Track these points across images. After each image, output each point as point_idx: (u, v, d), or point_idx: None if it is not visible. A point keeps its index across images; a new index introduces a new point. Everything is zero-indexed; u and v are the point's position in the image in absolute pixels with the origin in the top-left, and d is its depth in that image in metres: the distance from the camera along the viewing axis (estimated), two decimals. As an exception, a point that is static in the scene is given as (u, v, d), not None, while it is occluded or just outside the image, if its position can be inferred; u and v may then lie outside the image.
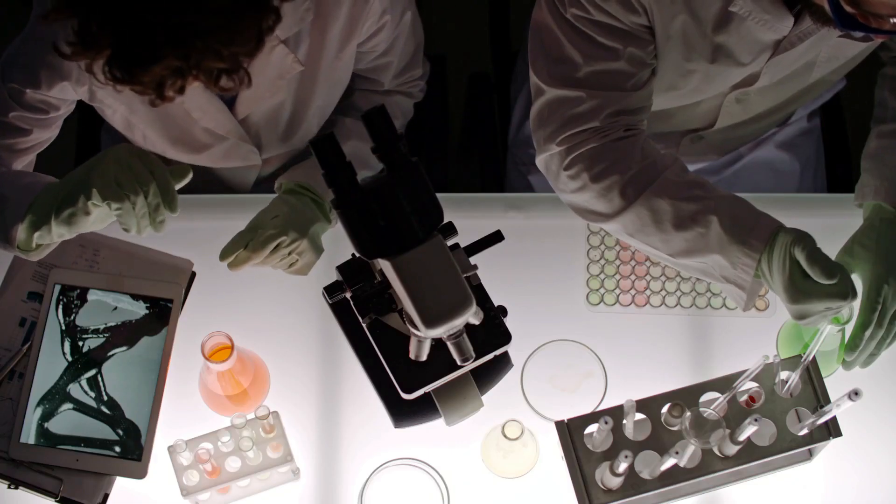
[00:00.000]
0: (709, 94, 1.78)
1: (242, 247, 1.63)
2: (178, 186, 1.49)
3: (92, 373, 1.72)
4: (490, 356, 1.55)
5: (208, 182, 1.95)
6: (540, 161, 1.70)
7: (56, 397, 1.71)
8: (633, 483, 1.52)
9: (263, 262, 1.64)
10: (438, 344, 1.48)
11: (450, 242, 1.47)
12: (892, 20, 1.36)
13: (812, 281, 1.49)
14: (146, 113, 1.73)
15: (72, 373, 1.72)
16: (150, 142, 1.81)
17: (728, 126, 1.90)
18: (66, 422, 1.70)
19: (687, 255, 1.61)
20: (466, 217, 1.58)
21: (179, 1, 1.31)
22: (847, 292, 1.48)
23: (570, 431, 1.55)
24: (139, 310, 1.77)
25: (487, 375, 1.62)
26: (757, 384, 1.55)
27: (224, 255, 1.63)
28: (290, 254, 1.66)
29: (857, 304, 1.59)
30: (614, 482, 1.51)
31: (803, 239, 1.50)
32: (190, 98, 1.66)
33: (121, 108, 1.73)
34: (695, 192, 1.61)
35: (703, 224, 1.58)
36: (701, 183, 1.63)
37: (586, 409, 1.62)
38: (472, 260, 1.51)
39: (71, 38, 1.35)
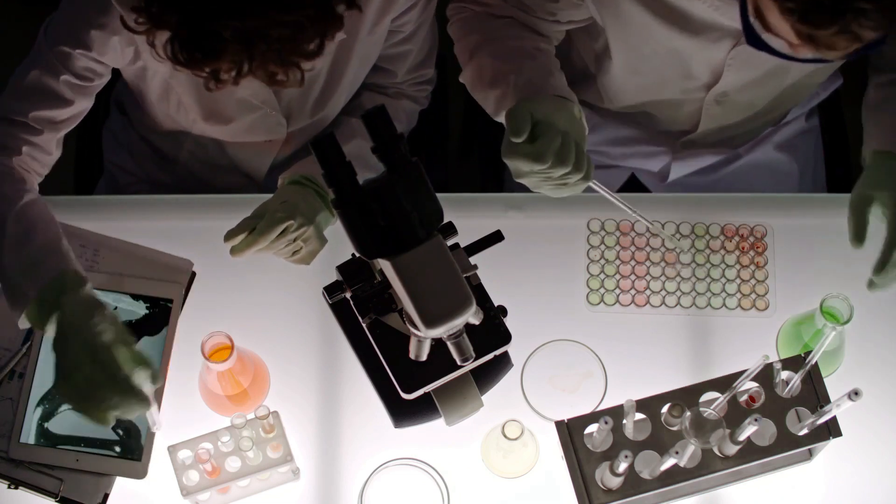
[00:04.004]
0: (680, 85, 1.78)
1: (248, 230, 1.63)
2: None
3: (92, 373, 1.72)
4: (490, 356, 1.55)
5: (223, 169, 1.96)
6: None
7: (56, 397, 1.71)
8: (633, 483, 1.52)
9: (268, 247, 1.64)
10: (438, 344, 1.48)
11: (450, 242, 1.48)
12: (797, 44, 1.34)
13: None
14: (185, 78, 1.73)
15: (72, 373, 1.72)
16: (183, 109, 1.82)
17: (716, 128, 1.90)
18: (66, 422, 1.70)
19: (497, 113, 1.65)
20: (466, 217, 1.58)
21: (251, 7, 1.31)
22: (541, 154, 1.49)
23: (570, 431, 1.56)
24: (139, 310, 1.77)
25: (487, 375, 1.62)
26: (757, 384, 1.55)
27: (229, 236, 1.63)
28: (295, 240, 1.66)
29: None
30: (614, 482, 1.51)
31: (523, 100, 1.53)
32: None
33: (162, 70, 1.73)
34: (517, 57, 1.65)
35: (505, 83, 1.62)
36: (531, 54, 1.67)
37: (586, 409, 1.62)
38: (472, 260, 1.51)
39: (138, 5, 1.36)
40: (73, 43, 1.62)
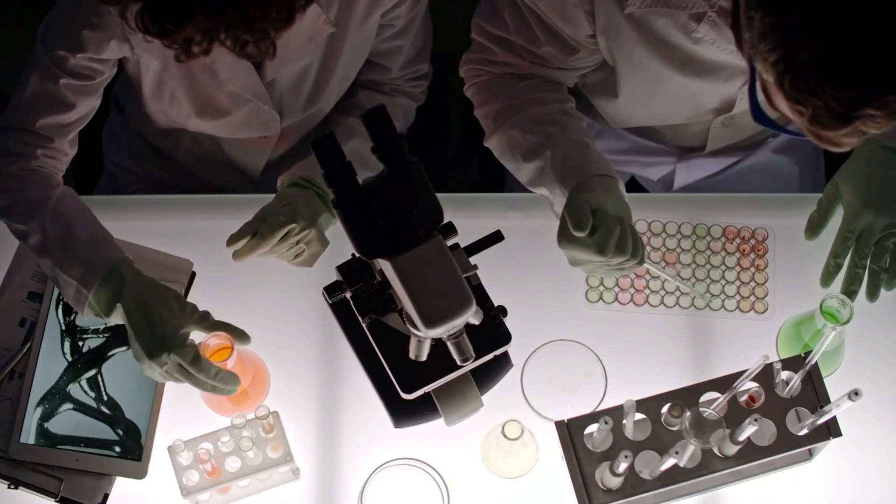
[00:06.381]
0: (688, 113, 1.80)
1: (251, 234, 1.63)
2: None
3: (92, 373, 1.73)
4: (490, 356, 1.55)
5: (219, 167, 1.96)
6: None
7: (56, 397, 1.71)
8: (633, 483, 1.52)
9: (271, 251, 1.64)
10: (438, 344, 1.48)
11: (450, 242, 1.47)
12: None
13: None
14: (178, 71, 1.74)
15: (72, 373, 1.72)
16: (176, 102, 1.82)
17: (722, 147, 1.93)
18: (66, 422, 1.70)
19: (533, 185, 1.68)
20: (466, 217, 1.58)
21: None
22: (603, 248, 1.49)
23: (570, 431, 1.56)
24: (139, 310, 1.77)
25: (487, 375, 1.62)
26: (757, 384, 1.55)
27: (231, 241, 1.63)
28: (297, 243, 1.66)
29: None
30: (614, 482, 1.51)
31: (578, 187, 1.54)
32: (219, 58, 1.68)
33: (154, 65, 1.74)
34: (547, 127, 1.66)
35: (542, 158, 1.64)
36: (560, 121, 1.68)
37: (586, 409, 1.62)
38: (472, 260, 1.51)
39: None
40: (68, 46, 1.63)
